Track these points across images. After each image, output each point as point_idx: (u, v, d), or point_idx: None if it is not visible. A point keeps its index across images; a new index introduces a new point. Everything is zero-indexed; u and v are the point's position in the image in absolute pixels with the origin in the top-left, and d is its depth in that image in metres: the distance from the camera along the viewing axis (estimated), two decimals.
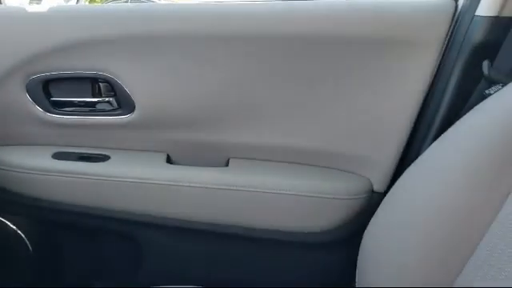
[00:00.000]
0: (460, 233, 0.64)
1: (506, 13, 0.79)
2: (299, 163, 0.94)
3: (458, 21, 0.85)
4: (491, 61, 0.80)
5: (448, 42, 0.85)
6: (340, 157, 0.92)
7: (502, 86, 0.74)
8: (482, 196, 0.63)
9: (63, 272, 1.04)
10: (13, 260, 1.02)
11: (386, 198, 0.77)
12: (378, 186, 0.91)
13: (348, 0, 0.87)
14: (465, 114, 0.72)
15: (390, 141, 0.90)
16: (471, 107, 0.72)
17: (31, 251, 1.00)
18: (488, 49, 0.81)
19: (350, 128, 0.90)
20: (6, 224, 0.98)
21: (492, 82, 0.79)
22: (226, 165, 0.95)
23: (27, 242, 1.00)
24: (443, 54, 0.85)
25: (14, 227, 0.99)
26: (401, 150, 0.90)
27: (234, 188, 0.90)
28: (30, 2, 1.28)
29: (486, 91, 0.79)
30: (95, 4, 0.89)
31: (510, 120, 0.62)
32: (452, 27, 0.84)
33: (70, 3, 1.31)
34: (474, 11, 0.82)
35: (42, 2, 1.33)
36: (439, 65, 0.86)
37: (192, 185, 0.91)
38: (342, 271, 0.91)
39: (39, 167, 0.91)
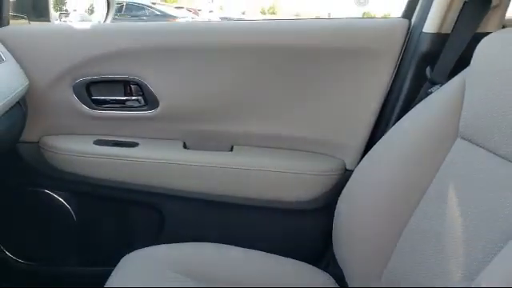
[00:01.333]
0: (396, 203, 0.87)
1: (444, 30, 1.04)
2: (286, 148, 1.19)
3: (410, 36, 1.08)
4: (432, 67, 1.04)
5: (403, 52, 1.09)
6: (319, 142, 1.17)
7: (440, 86, 0.97)
8: (415, 169, 0.86)
9: (100, 236, 1.27)
10: (61, 227, 1.25)
11: (353, 174, 1.00)
12: (350, 166, 1.14)
13: (325, 19, 1.10)
14: (414, 106, 0.95)
15: (359, 129, 1.14)
16: (419, 101, 0.96)
17: (75, 219, 1.24)
18: (430, 57, 1.05)
19: (326, 119, 1.14)
20: (56, 198, 1.22)
21: (433, 83, 1.03)
22: (231, 150, 1.19)
23: (72, 213, 1.23)
24: (400, 61, 1.09)
25: (62, 200, 1.22)
26: (368, 136, 1.13)
27: (236, 168, 1.15)
28: (60, 16, 1.50)
29: (429, 90, 1.03)
30: (126, 23, 1.13)
31: (443, 108, 0.85)
32: (406, 40, 1.08)
33: (93, 15, 1.53)
34: (422, 28, 1.06)
35: (70, 15, 1.54)
36: (397, 69, 1.10)
37: (203, 165, 1.15)
38: (321, 232, 1.13)
39: (83, 151, 1.15)
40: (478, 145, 0.76)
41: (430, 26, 1.03)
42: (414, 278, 0.78)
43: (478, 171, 0.74)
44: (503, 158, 0.70)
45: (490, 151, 0.73)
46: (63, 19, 1.44)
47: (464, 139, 0.81)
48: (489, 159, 0.73)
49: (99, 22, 1.35)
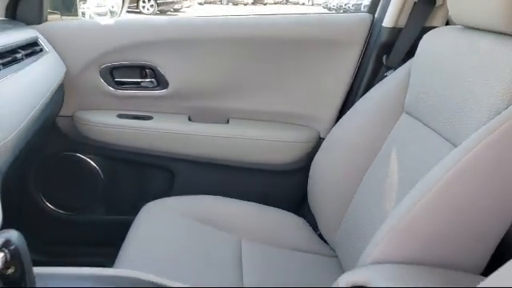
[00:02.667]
0: (354, 164, 1.11)
1: (398, 25, 1.25)
2: (272, 120, 1.43)
3: (373, 29, 1.30)
4: (388, 55, 1.27)
5: (367, 42, 1.31)
6: (298, 116, 1.40)
7: (394, 70, 1.20)
8: (370, 137, 1.10)
9: (122, 191, 1.49)
10: (91, 185, 1.47)
11: (324, 141, 1.25)
12: (323, 135, 1.38)
13: (300, 15, 1.33)
14: (375, 85, 1.18)
15: (331, 104, 1.37)
16: (378, 81, 1.19)
17: (102, 177, 1.47)
18: (387, 47, 1.27)
19: (304, 97, 1.37)
20: (87, 160, 1.45)
21: (388, 68, 1.26)
22: (227, 122, 1.42)
23: (100, 172, 1.46)
24: (364, 50, 1.32)
25: (92, 162, 1.45)
26: (337, 111, 1.37)
27: (231, 137, 1.38)
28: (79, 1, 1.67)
29: (385, 73, 1.26)
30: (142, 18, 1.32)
31: (393, 88, 1.08)
32: (369, 33, 1.30)
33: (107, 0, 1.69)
34: (382, 23, 1.27)
35: (87, 2, 1.71)
36: (361, 56, 1.32)
37: (204, 135, 1.39)
38: (299, 188, 1.37)
39: (108, 123, 1.38)
40: (417, 119, 0.99)
41: (388, 20, 1.25)
42: (361, 216, 1.02)
43: (414, 140, 0.97)
44: (433, 129, 0.92)
45: (428, 126, 0.94)
46: (81, 5, 1.63)
47: (407, 114, 1.04)
48: (423, 130, 0.95)
49: (115, 13, 1.55)
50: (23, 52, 1.05)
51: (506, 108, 0.74)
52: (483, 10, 0.82)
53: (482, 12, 0.83)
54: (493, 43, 0.81)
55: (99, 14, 1.57)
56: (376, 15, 1.31)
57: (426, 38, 1.02)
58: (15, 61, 1.00)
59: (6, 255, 0.62)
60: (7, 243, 0.61)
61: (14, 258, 0.63)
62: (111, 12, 1.54)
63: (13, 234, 0.62)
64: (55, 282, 0.69)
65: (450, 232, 0.76)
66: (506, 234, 0.77)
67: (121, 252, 1.04)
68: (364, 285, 0.70)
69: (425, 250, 0.76)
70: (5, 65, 0.95)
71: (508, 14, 0.77)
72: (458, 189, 0.74)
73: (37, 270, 0.65)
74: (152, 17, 1.39)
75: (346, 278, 0.73)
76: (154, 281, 0.72)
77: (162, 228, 1.13)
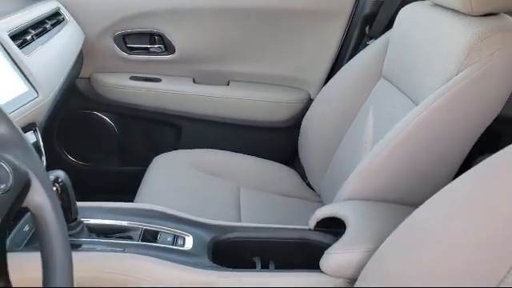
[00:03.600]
0: (338, 121, 1.26)
1: None
2: (267, 83, 1.59)
3: (358, 1, 1.43)
4: (370, 25, 1.41)
5: (353, 14, 1.45)
6: (291, 79, 1.56)
7: (375, 39, 1.34)
8: (352, 98, 1.26)
9: (135, 145, 1.67)
10: (106, 138, 1.65)
11: (313, 102, 1.41)
12: (313, 96, 1.55)
13: None
14: (357, 53, 1.33)
15: (320, 69, 1.52)
16: (362, 49, 1.34)
17: (117, 132, 1.64)
18: (370, 19, 1.41)
19: (296, 62, 1.53)
20: (102, 117, 1.62)
21: (370, 38, 1.41)
22: (227, 84, 1.59)
23: (114, 127, 1.63)
24: (350, 21, 1.46)
25: (107, 119, 1.62)
26: (326, 74, 1.53)
27: (231, 98, 1.55)
28: None
29: (367, 42, 1.41)
30: None
31: (373, 56, 1.23)
32: (355, 5, 1.44)
33: None
34: None
35: None
36: (348, 26, 1.46)
37: (207, 96, 1.55)
38: (292, 143, 1.51)
39: (121, 84, 1.54)
40: (393, 84, 1.14)
41: None
42: (342, 166, 1.19)
43: (389, 101, 1.12)
44: (402, 92, 1.07)
45: (400, 90, 1.09)
46: None
47: (384, 78, 1.21)
48: (396, 92, 1.10)
49: None
50: (50, 22, 1.21)
51: (456, 75, 0.90)
52: None
53: None
54: (451, 20, 0.96)
55: None
56: None
57: (402, 12, 1.17)
58: (45, 31, 1.16)
59: (57, 189, 0.81)
60: (56, 179, 0.80)
61: (63, 191, 0.81)
62: None
63: (60, 173, 0.81)
64: (90, 213, 0.89)
65: (406, 175, 0.95)
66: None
67: (136, 197, 1.21)
68: (335, 215, 0.89)
69: (387, 190, 0.95)
70: (37, 35, 1.11)
71: None
72: (414, 140, 0.92)
73: (78, 203, 0.84)
74: None
75: (322, 211, 0.92)
76: (166, 212, 0.92)
77: (171, 177, 1.31)
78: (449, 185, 0.65)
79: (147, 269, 0.77)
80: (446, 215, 0.59)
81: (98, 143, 1.68)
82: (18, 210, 0.55)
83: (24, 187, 0.55)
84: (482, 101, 0.91)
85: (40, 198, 0.57)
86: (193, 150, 1.47)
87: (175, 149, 1.48)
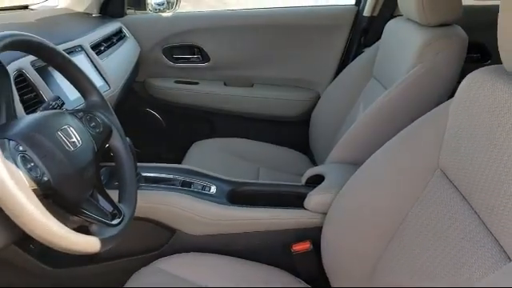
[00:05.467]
0: (339, 111, 1.61)
1: (374, 14, 1.71)
2: (284, 85, 1.93)
3: (357, 18, 1.77)
4: (365, 37, 1.74)
5: (353, 28, 1.78)
6: (303, 80, 1.90)
7: (368, 47, 1.66)
8: (351, 90, 1.58)
9: (178, 134, 2.01)
10: (155, 129, 2.02)
11: (320, 98, 1.74)
12: (321, 94, 1.88)
13: (306, 7, 1.82)
14: (355, 57, 1.66)
15: (327, 72, 1.85)
16: (358, 55, 1.67)
17: (164, 125, 2.02)
18: (365, 31, 1.73)
19: (307, 67, 1.86)
20: (153, 113, 2.00)
21: (365, 46, 1.73)
22: (251, 86, 1.94)
23: (162, 121, 2.02)
24: (351, 34, 1.79)
25: (157, 114, 2.00)
26: (333, 76, 1.84)
27: (255, 97, 1.91)
28: None
29: (362, 50, 1.73)
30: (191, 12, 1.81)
31: (366, 58, 1.55)
32: (354, 20, 1.77)
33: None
34: (363, 13, 1.74)
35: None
36: (349, 39, 1.79)
37: (235, 95, 1.92)
38: (303, 133, 1.82)
39: (168, 87, 1.93)
40: (378, 81, 1.47)
41: (366, 11, 1.72)
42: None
43: (374, 93, 1.37)
44: (382, 85, 1.42)
45: (382, 85, 1.43)
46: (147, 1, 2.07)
47: (373, 78, 1.52)
48: (379, 86, 1.46)
49: (172, 3, 2.01)
50: (115, 38, 1.62)
51: (413, 68, 1.19)
52: (408, 6, 1.27)
53: (408, 7, 1.28)
54: (413, 30, 1.27)
55: (158, 5, 1.99)
56: (360, 6, 1.78)
57: (388, 25, 1.48)
58: (112, 44, 1.57)
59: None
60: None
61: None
62: (168, 3, 1.91)
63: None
64: (146, 170, 1.24)
65: (375, 142, 1.23)
66: None
67: None
68: (318, 173, 1.22)
69: (358, 155, 1.24)
70: (107, 47, 1.52)
71: (418, 9, 1.19)
72: (380, 116, 1.23)
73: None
74: (198, 12, 1.92)
75: (309, 171, 1.25)
76: (198, 170, 1.25)
77: (206, 159, 1.63)
78: (386, 143, 0.97)
79: (187, 202, 1.11)
80: (380, 163, 0.93)
81: (150, 134, 2.03)
82: (104, 147, 0.89)
83: (108, 133, 0.90)
84: (429, 89, 1.21)
85: (117, 143, 0.94)
86: (223, 139, 1.78)
87: (209, 138, 1.80)
